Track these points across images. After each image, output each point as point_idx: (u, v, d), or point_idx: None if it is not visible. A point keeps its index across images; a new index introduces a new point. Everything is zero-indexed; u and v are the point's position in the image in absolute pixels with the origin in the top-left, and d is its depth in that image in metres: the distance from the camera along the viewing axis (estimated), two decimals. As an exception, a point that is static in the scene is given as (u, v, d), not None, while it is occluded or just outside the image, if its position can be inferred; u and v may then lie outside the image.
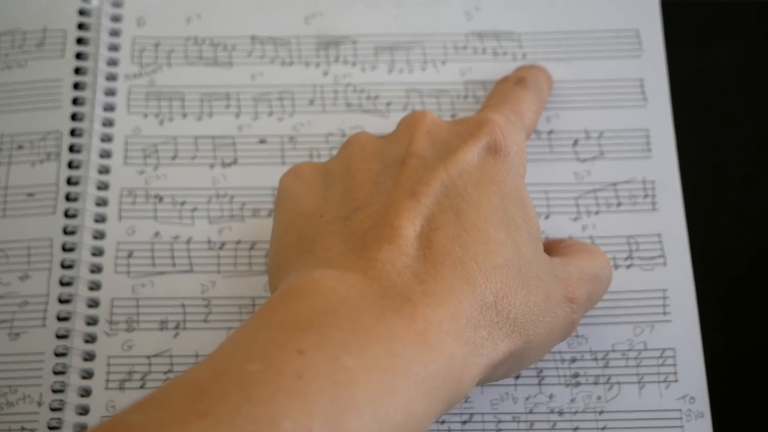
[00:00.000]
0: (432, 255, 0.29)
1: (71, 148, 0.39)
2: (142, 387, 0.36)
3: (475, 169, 0.31)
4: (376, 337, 0.26)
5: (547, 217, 0.38)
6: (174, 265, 0.38)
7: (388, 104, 0.40)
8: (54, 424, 0.35)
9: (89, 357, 0.36)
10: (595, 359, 0.36)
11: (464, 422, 0.35)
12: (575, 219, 0.38)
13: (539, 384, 0.36)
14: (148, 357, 0.36)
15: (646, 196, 0.39)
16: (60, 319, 0.36)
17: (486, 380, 0.30)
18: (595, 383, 0.36)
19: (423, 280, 0.28)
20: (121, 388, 0.35)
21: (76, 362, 0.36)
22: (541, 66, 0.40)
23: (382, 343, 0.26)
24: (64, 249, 0.38)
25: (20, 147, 0.39)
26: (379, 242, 0.29)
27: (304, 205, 0.32)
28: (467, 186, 0.31)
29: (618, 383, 0.36)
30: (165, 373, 0.36)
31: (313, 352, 0.25)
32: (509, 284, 0.29)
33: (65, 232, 0.38)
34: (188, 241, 0.38)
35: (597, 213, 0.38)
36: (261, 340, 0.26)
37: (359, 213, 0.30)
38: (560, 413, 0.35)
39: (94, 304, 0.37)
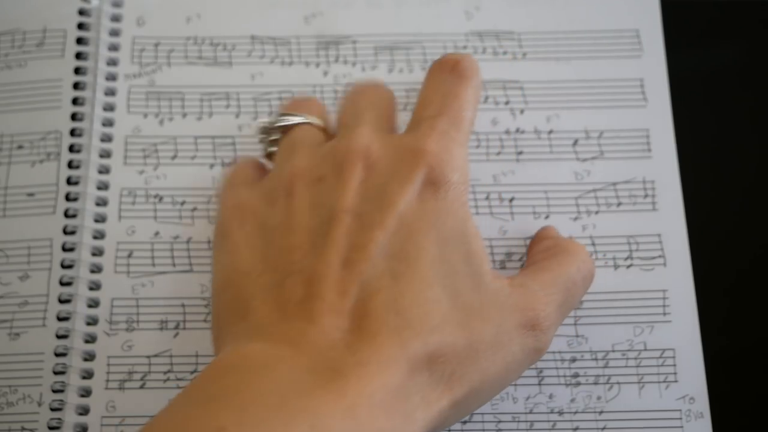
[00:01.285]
0: (367, 325, 0.28)
1: (71, 148, 0.39)
2: (142, 387, 0.36)
3: (413, 217, 0.30)
4: (301, 414, 0.25)
5: (547, 217, 0.38)
6: (174, 265, 0.38)
7: (388, 104, 0.40)
8: (54, 424, 0.35)
9: (89, 357, 0.36)
10: (595, 359, 0.36)
11: (464, 422, 0.35)
12: (575, 219, 0.38)
13: (539, 384, 0.36)
14: (148, 357, 0.36)
15: (646, 196, 0.39)
16: (60, 319, 0.37)
17: None
18: (595, 383, 0.36)
19: (356, 350, 0.27)
20: (121, 388, 0.36)
21: (76, 362, 0.36)
22: (465, 54, 0.37)
23: (307, 420, 0.25)
24: (64, 249, 0.38)
25: (20, 147, 0.39)
26: (312, 315, 0.28)
27: (243, 261, 0.31)
28: (405, 242, 0.30)
29: (618, 383, 0.36)
30: (165, 372, 0.36)
31: (234, 430, 0.24)
32: (447, 341, 0.29)
33: (65, 232, 0.38)
34: (188, 241, 0.38)
35: (597, 213, 0.38)
36: (183, 417, 0.25)
37: (293, 278, 0.29)
38: (560, 413, 0.35)
39: (94, 304, 0.37)
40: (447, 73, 0.34)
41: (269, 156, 0.36)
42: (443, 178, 0.31)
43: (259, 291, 0.30)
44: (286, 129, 0.35)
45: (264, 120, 0.36)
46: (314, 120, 0.35)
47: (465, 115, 0.33)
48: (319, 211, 0.31)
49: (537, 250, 0.35)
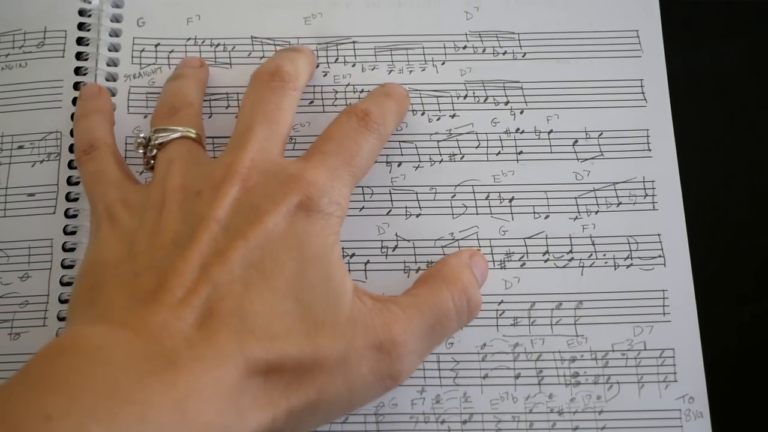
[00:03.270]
0: (209, 324, 0.29)
1: (71, 148, 0.39)
2: (142, 387, 0.36)
3: (279, 235, 0.31)
4: (130, 403, 0.25)
5: (546, 217, 0.38)
6: (174, 265, 0.38)
7: (388, 104, 0.40)
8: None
9: (89, 357, 0.36)
10: (595, 359, 0.36)
11: (464, 422, 0.35)
12: (575, 219, 0.38)
13: (539, 384, 0.36)
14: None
15: (646, 195, 0.39)
16: (60, 319, 0.37)
17: None
18: (595, 383, 0.36)
19: (194, 346, 0.28)
20: (121, 388, 0.36)
21: (76, 362, 0.36)
22: (397, 90, 0.39)
23: (135, 409, 0.25)
24: (65, 249, 0.38)
25: (20, 147, 0.39)
26: (158, 305, 0.29)
27: (108, 253, 0.32)
28: (264, 256, 0.30)
29: (617, 383, 0.36)
30: (165, 373, 0.36)
31: (60, 419, 0.24)
32: (289, 352, 0.29)
33: (65, 232, 0.38)
34: (188, 241, 0.38)
35: (597, 213, 0.39)
36: (13, 399, 0.25)
37: (150, 272, 0.30)
38: (560, 413, 0.35)
39: (94, 304, 0.37)
40: (355, 120, 0.35)
41: (151, 168, 0.36)
42: (318, 207, 0.32)
43: (115, 279, 0.31)
44: (164, 144, 0.35)
45: (142, 136, 0.36)
46: (190, 132, 0.36)
47: (358, 161, 0.34)
48: (189, 218, 0.31)
49: (422, 274, 0.35)
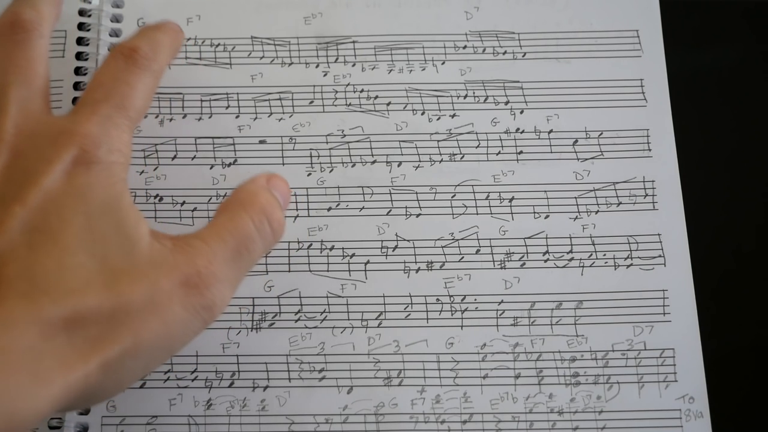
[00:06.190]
0: None
1: (71, 149, 0.39)
2: (142, 387, 0.36)
3: (59, 194, 0.30)
4: None
5: (546, 217, 0.38)
6: (174, 265, 0.38)
7: (388, 104, 0.40)
8: (54, 423, 0.35)
9: (89, 357, 0.36)
10: (595, 359, 0.36)
11: (464, 422, 0.35)
12: (575, 218, 0.38)
13: (539, 384, 0.36)
14: (148, 357, 0.36)
15: (646, 195, 0.39)
16: None
17: (89, 400, 0.30)
18: (595, 383, 0.36)
19: None
20: (121, 388, 0.36)
21: (76, 362, 0.36)
22: (169, 24, 0.38)
23: None
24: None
25: (20, 147, 0.39)
26: None
27: None
28: (48, 215, 0.30)
29: (618, 383, 0.36)
30: (165, 373, 0.36)
31: None
32: (88, 304, 0.29)
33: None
34: (188, 242, 0.38)
35: (597, 213, 0.39)
36: None
37: None
38: (560, 413, 0.35)
39: (94, 304, 0.37)
40: (122, 60, 0.34)
41: None
42: (95, 159, 0.31)
43: None
44: None
45: None
46: None
47: (133, 102, 0.33)
48: None
49: (221, 204, 0.34)
